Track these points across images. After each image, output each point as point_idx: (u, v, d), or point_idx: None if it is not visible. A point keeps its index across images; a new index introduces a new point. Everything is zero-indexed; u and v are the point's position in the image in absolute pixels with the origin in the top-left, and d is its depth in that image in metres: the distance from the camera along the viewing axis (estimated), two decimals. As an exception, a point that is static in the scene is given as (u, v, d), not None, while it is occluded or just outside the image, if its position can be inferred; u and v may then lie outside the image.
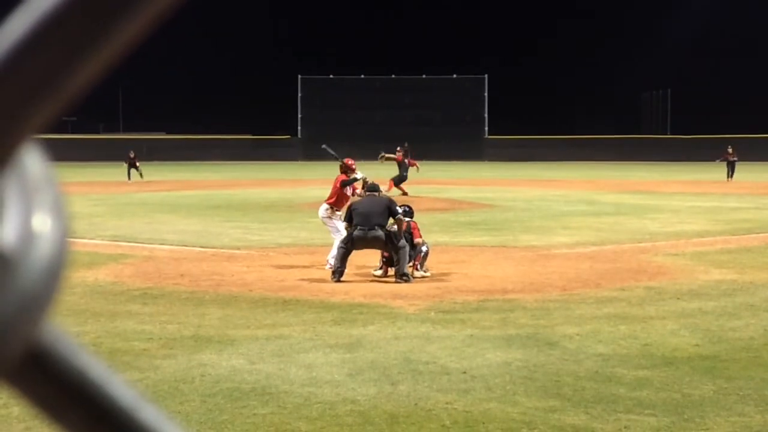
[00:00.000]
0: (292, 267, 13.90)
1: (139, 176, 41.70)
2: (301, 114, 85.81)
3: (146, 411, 0.48)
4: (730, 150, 43.69)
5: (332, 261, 13.03)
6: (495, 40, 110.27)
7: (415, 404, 6.88)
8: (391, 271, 12.82)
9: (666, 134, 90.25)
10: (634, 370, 7.91)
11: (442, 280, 12.69)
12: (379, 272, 13.06)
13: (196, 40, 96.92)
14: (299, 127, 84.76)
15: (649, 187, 36.86)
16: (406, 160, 32.71)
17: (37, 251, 0.43)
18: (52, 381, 0.46)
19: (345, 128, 75.29)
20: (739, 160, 44.41)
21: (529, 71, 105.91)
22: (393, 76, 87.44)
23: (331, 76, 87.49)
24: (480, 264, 14.28)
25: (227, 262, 14.59)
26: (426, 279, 12.81)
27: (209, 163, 68.93)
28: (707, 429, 6.38)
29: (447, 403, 6.90)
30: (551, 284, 12.30)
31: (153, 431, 0.48)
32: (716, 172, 44.80)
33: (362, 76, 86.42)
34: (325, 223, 14.27)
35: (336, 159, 15.36)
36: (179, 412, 6.62)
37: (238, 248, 16.38)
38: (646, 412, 6.72)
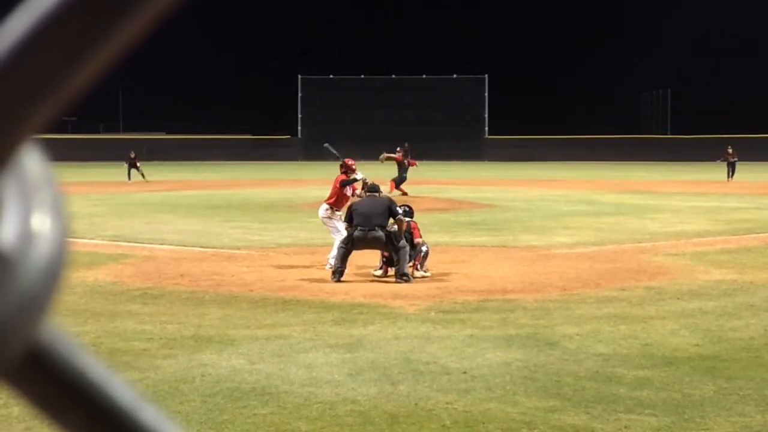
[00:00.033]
0: (292, 267, 13.90)
1: (140, 176, 41.63)
2: (301, 114, 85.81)
3: (146, 411, 0.48)
4: (730, 150, 43.67)
5: (332, 261, 13.04)
6: (495, 40, 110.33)
7: (416, 404, 6.88)
8: (391, 271, 12.82)
9: (666, 134, 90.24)
10: (634, 370, 7.91)
11: (442, 280, 12.69)
12: (379, 272, 13.06)
13: (196, 40, 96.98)
14: (299, 127, 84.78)
15: (649, 187, 36.86)
16: (405, 161, 32.71)
17: (37, 251, 0.43)
18: (52, 381, 0.46)
19: (345, 128, 75.26)
20: (739, 160, 44.41)
21: (529, 71, 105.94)
22: (393, 76, 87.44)
23: (331, 76, 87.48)
24: (480, 264, 14.28)
25: (227, 262, 14.60)
26: (426, 279, 12.81)
27: (209, 163, 68.93)
28: (707, 429, 6.38)
29: (447, 403, 6.90)
30: (551, 284, 12.30)
31: (153, 431, 0.48)
32: (716, 172, 44.79)
33: (362, 76, 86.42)
34: (325, 224, 14.26)
35: (337, 158, 15.36)
36: (179, 412, 6.62)
37: (238, 248, 16.38)
38: (646, 412, 6.72)
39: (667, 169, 57.66)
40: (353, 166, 14.47)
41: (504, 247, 16.71)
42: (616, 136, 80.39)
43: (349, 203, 13.84)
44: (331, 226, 13.98)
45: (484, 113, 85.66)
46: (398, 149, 33.30)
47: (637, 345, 8.85)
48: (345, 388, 7.32)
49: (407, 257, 12.63)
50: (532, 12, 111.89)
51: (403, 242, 12.66)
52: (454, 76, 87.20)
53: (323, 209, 14.14)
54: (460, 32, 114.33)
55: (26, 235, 0.43)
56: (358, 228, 12.75)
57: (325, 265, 13.49)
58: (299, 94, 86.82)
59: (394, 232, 12.79)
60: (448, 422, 6.49)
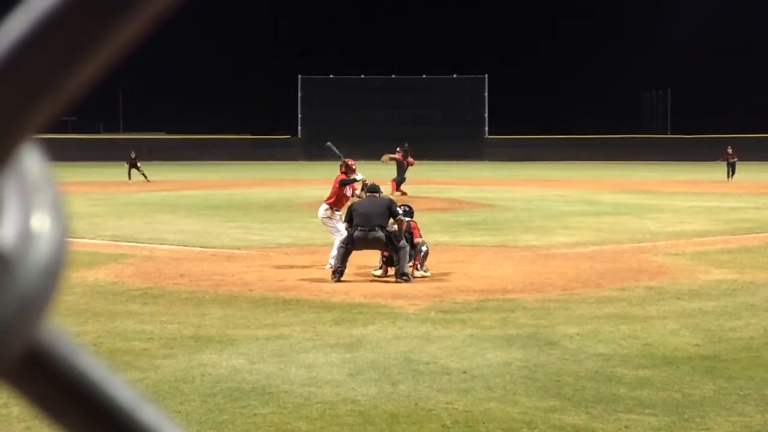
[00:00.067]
0: (292, 267, 13.90)
1: (141, 177, 41.59)
2: (301, 114, 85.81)
3: (146, 411, 0.48)
4: (729, 150, 43.67)
5: (332, 261, 13.04)
6: (495, 40, 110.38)
7: (416, 404, 6.88)
8: (391, 271, 12.82)
9: (666, 134, 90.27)
10: (634, 369, 7.91)
11: (442, 280, 12.69)
12: (379, 272, 13.06)
13: (196, 40, 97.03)
14: (299, 127, 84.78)
15: (649, 187, 36.86)
16: (405, 161, 32.70)
17: (36, 251, 0.43)
18: (52, 381, 0.46)
19: (345, 128, 75.21)
20: (739, 160, 44.41)
21: (529, 71, 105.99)
22: (393, 76, 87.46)
23: (331, 76, 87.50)
24: (480, 264, 14.28)
25: (227, 262, 14.60)
26: (426, 279, 12.81)
27: (209, 163, 68.92)
28: (708, 429, 6.38)
29: (447, 403, 6.90)
30: (551, 284, 12.30)
31: (153, 431, 0.48)
32: (716, 172, 44.79)
33: (362, 76, 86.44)
34: (324, 224, 14.26)
35: (339, 158, 15.36)
36: (179, 412, 6.62)
37: (238, 248, 16.38)
38: (646, 411, 6.72)
39: (667, 169, 57.66)
40: (353, 167, 14.47)
41: (504, 247, 16.71)
42: (616, 136, 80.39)
43: (349, 203, 13.84)
44: (331, 226, 13.98)
45: (484, 113, 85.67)
46: (398, 149, 33.28)
47: (637, 345, 8.85)
48: (345, 388, 7.33)
49: (407, 257, 12.63)
50: (532, 12, 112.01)
51: (403, 242, 12.66)
52: (454, 76, 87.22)
53: (323, 209, 14.13)
54: (460, 32, 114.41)
55: (26, 235, 0.43)
56: (359, 228, 12.75)
57: (325, 265, 13.49)
58: (299, 94, 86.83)
59: (394, 232, 12.79)
60: (448, 422, 6.49)
